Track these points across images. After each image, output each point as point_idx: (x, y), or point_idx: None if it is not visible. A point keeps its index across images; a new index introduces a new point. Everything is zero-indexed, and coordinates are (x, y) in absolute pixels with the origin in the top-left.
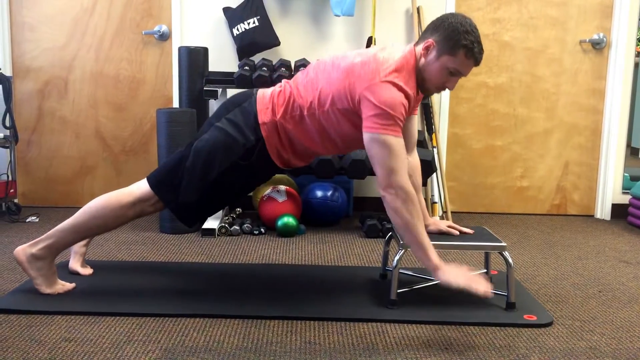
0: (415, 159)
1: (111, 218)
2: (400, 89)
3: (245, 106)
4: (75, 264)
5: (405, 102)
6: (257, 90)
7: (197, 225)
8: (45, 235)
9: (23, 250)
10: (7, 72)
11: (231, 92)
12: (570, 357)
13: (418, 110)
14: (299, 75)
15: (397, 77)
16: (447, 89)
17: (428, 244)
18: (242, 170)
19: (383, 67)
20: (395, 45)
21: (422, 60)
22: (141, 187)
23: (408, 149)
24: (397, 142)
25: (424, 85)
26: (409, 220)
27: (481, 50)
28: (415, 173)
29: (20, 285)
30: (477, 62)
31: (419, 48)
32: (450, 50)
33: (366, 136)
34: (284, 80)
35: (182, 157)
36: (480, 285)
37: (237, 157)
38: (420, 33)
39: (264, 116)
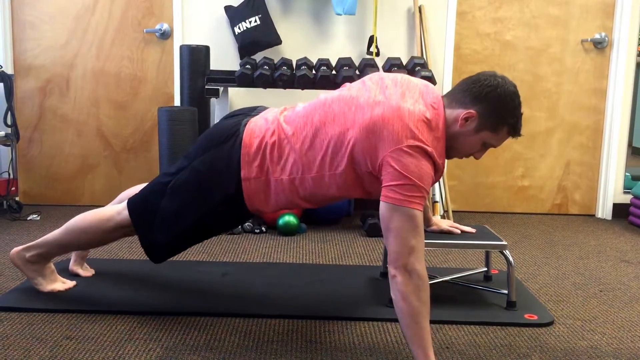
0: None
1: (94, 240)
2: (429, 158)
3: (226, 149)
4: (75, 266)
5: (432, 173)
6: (244, 126)
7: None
8: (36, 242)
9: (17, 253)
10: (9, 70)
11: (233, 90)
12: (571, 357)
13: None
14: (298, 119)
15: (427, 143)
16: (474, 158)
17: (430, 341)
18: (219, 216)
19: (410, 126)
20: (415, 87)
21: (456, 127)
22: (121, 213)
23: None
24: (420, 216)
25: (449, 152)
26: (417, 308)
27: (521, 124)
28: None
29: (21, 284)
30: (515, 137)
31: (453, 112)
32: (493, 126)
33: (386, 206)
34: (276, 121)
35: (159, 192)
36: None
37: (214, 207)
38: (422, 32)
39: (248, 171)
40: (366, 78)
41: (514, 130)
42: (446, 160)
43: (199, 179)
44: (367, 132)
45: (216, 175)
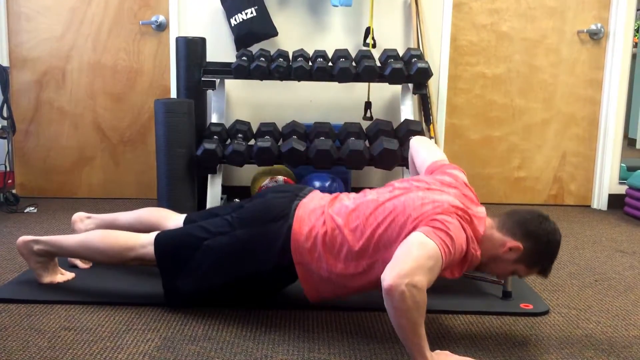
0: None
1: (109, 261)
2: (466, 236)
3: (276, 228)
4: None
5: (463, 250)
6: (294, 210)
7: None
8: (47, 239)
9: (25, 243)
10: (4, 63)
11: (229, 82)
12: (566, 345)
13: (412, 101)
14: (349, 211)
15: (466, 225)
16: (497, 277)
17: (426, 343)
18: (247, 288)
19: (457, 210)
20: (460, 191)
21: (499, 251)
22: (146, 248)
23: None
24: (440, 262)
25: (480, 266)
26: (418, 320)
27: (551, 269)
28: None
29: (20, 275)
30: (542, 277)
31: (501, 237)
32: (531, 264)
33: (414, 235)
34: (326, 212)
35: (194, 244)
36: None
37: (246, 276)
38: (418, 24)
39: (299, 255)
40: (413, 179)
41: (544, 272)
42: (443, 150)
43: (239, 248)
44: (417, 210)
45: (256, 250)
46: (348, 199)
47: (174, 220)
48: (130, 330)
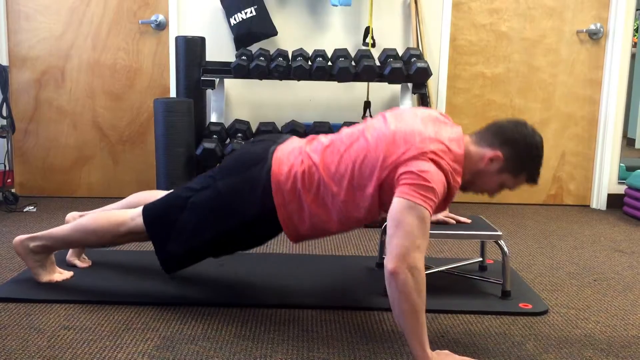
0: None
1: (103, 242)
2: (444, 175)
3: (252, 175)
4: (72, 257)
5: (445, 188)
6: (271, 154)
7: None
8: (42, 234)
9: (21, 242)
10: (4, 62)
11: (229, 81)
12: (565, 345)
13: (411, 100)
14: (324, 149)
15: (444, 160)
16: (487, 195)
17: (426, 334)
18: (236, 238)
19: (430, 146)
20: (435, 120)
21: (481, 165)
22: (135, 220)
23: None
24: (429, 219)
25: (467, 186)
26: (418, 305)
27: (539, 173)
28: None
29: (19, 274)
30: (531, 184)
31: (480, 150)
32: (515, 171)
33: (399, 202)
34: (304, 152)
35: (179, 206)
36: None
37: (233, 227)
38: (417, 23)
39: (280, 197)
40: (387, 112)
41: (532, 178)
42: None
43: (222, 200)
44: (389, 150)
45: (239, 198)
46: (325, 137)
47: (162, 195)
48: (129, 330)
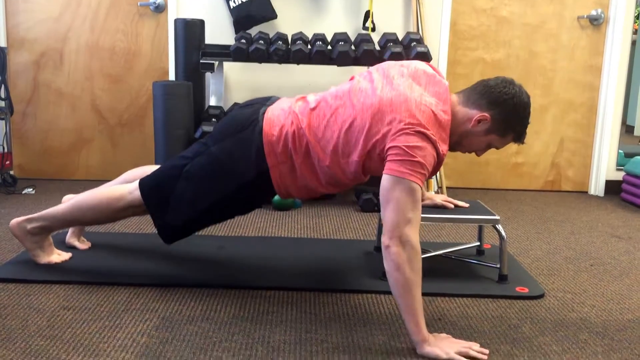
0: None
1: (102, 218)
2: (432, 145)
3: (245, 137)
4: (72, 238)
5: (435, 159)
6: (262, 115)
7: None
8: (39, 215)
9: (18, 224)
10: (2, 43)
11: (228, 65)
12: (560, 328)
13: None
14: (310, 111)
15: (430, 130)
16: (475, 154)
17: (422, 311)
18: (236, 201)
19: (416, 115)
20: (422, 77)
21: (468, 126)
22: (132, 192)
23: None
24: (420, 191)
25: (455, 147)
26: (410, 278)
27: (526, 133)
28: None
29: (18, 256)
30: (519, 144)
31: (467, 111)
32: (502, 131)
33: (389, 178)
34: (292, 112)
35: (173, 176)
36: (476, 353)
37: (232, 190)
38: (418, 7)
39: (273, 158)
40: (372, 69)
41: (519, 138)
42: None
43: (216, 165)
44: (375, 119)
45: (234, 162)
46: (312, 96)
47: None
48: (129, 310)
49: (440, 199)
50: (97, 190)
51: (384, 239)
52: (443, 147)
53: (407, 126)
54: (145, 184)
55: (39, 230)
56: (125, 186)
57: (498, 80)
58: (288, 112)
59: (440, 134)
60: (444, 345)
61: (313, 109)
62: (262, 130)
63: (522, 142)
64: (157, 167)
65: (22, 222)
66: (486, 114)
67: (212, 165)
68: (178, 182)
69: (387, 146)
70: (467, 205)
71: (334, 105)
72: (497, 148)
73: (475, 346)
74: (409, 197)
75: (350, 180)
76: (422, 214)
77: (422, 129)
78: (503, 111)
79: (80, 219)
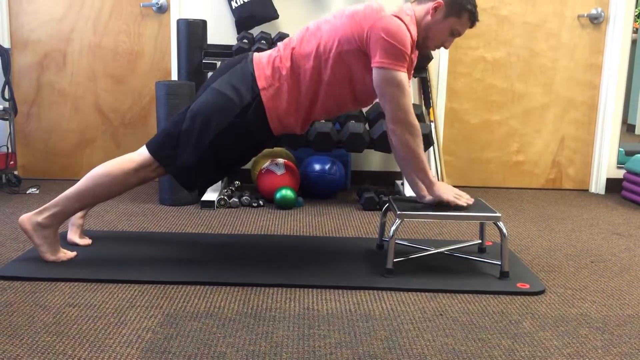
0: None
1: (115, 185)
2: (406, 25)
3: (240, 66)
4: (73, 236)
5: (410, 40)
6: (251, 53)
7: (197, 197)
8: (50, 203)
9: (28, 218)
10: (6, 44)
11: None
12: (561, 323)
13: (412, 85)
14: (295, 35)
15: (403, 18)
16: (444, 47)
17: (427, 166)
18: (239, 131)
19: (388, 10)
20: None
21: (428, 18)
22: (142, 154)
23: None
24: (405, 78)
25: (424, 43)
26: (415, 150)
27: (477, 12)
28: None
29: (23, 254)
30: (473, 26)
31: (423, 7)
32: (457, 13)
33: (377, 73)
34: (278, 44)
35: (178, 120)
36: (463, 198)
37: (233, 117)
38: None
39: (263, 81)
40: (325, 18)
41: (473, 15)
42: (442, 134)
43: (219, 95)
44: (352, 16)
45: (233, 89)
46: (312, 25)
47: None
48: (133, 307)
49: (450, 193)
50: (104, 163)
51: (389, 125)
52: (414, 30)
53: (382, 13)
54: (151, 142)
55: (50, 219)
56: (131, 154)
57: None
58: (275, 50)
59: (409, 20)
60: (445, 189)
61: (295, 38)
62: (252, 59)
63: (477, 20)
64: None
65: (32, 215)
66: (439, 1)
67: (214, 97)
68: (183, 123)
69: (367, 35)
70: (471, 200)
71: (314, 29)
72: (460, 33)
73: (466, 196)
74: (398, 88)
75: (335, 88)
76: (425, 211)
77: (396, 14)
78: None
79: (94, 192)
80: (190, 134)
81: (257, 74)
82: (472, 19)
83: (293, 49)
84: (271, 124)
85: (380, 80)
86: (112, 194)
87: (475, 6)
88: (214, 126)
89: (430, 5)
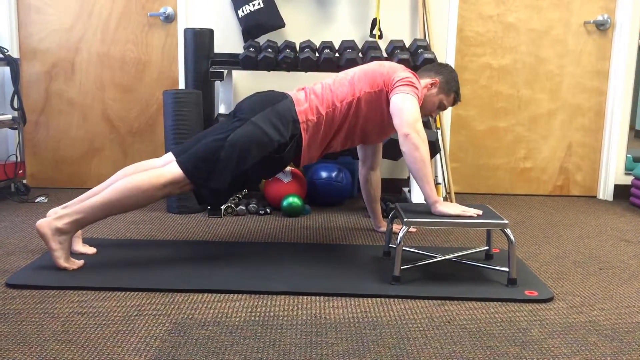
0: (377, 175)
1: (143, 199)
2: (415, 92)
3: (281, 105)
4: (77, 246)
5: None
6: (289, 94)
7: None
8: (72, 210)
9: (48, 223)
10: (15, 54)
11: (237, 73)
12: (569, 331)
13: None
14: (328, 79)
15: (415, 83)
16: (430, 117)
17: (433, 180)
18: (273, 163)
19: (402, 75)
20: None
21: (425, 91)
22: (172, 171)
23: (374, 166)
24: (418, 103)
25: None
26: (425, 155)
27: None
28: (376, 188)
29: (32, 263)
30: (455, 105)
31: (423, 82)
32: (447, 91)
33: (398, 96)
34: (307, 88)
35: (216, 147)
36: (470, 212)
37: (269, 152)
38: (424, 14)
39: (303, 115)
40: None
41: (458, 97)
42: (449, 141)
43: (259, 131)
44: (381, 65)
45: (274, 126)
46: (311, 90)
47: (158, 161)
48: (141, 315)
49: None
50: (133, 175)
51: (404, 131)
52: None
53: (400, 70)
54: (187, 161)
55: (70, 226)
56: (158, 169)
57: (437, 62)
58: (309, 89)
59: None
60: (451, 206)
61: (325, 87)
62: (292, 100)
63: (459, 100)
64: (154, 158)
65: (52, 220)
66: (436, 79)
67: (256, 130)
68: (222, 150)
69: (392, 82)
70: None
71: (342, 79)
72: (445, 108)
73: (473, 211)
74: (414, 105)
75: (368, 126)
76: (431, 218)
77: (410, 74)
78: (446, 75)
79: (119, 204)
80: (229, 162)
81: (298, 109)
82: (456, 99)
83: (325, 89)
84: (302, 159)
85: (400, 98)
86: (138, 207)
87: (459, 89)
88: (251, 158)
89: (429, 81)
